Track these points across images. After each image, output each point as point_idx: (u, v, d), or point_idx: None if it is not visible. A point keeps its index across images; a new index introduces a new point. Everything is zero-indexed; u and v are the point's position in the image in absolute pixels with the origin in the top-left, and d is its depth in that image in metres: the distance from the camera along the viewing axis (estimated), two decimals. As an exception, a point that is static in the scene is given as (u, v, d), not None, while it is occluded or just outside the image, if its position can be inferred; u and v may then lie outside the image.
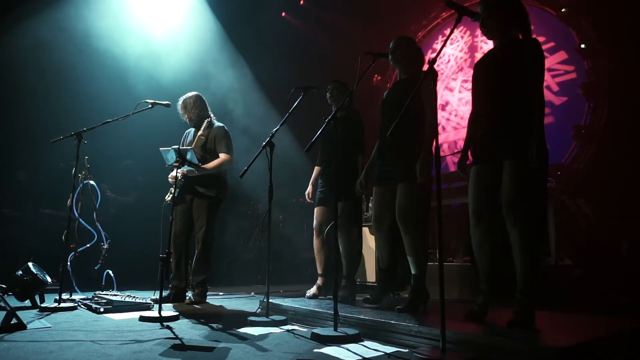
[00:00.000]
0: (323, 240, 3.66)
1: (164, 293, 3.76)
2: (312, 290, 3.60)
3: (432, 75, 2.04)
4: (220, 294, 4.59)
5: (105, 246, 4.00)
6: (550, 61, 6.07)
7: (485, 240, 2.35)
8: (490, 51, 2.56)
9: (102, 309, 3.12)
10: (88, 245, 3.95)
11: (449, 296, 4.18)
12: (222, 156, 3.94)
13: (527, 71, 2.32)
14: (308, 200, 3.92)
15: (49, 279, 3.48)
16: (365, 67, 2.74)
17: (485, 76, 2.49)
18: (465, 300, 4.00)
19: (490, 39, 2.57)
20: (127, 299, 3.45)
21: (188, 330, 2.57)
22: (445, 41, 2.32)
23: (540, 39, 6.19)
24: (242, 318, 2.97)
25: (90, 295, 3.68)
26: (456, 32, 7.12)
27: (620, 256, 3.81)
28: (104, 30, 5.58)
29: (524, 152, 2.22)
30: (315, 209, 3.68)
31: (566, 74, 5.97)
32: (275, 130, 3.03)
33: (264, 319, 2.77)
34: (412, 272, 2.79)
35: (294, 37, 8.07)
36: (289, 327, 2.71)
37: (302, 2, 8.32)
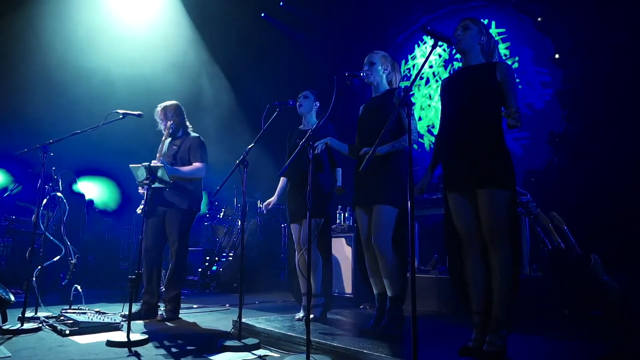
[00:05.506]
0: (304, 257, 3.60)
1: (136, 308, 3.69)
2: (300, 313, 3.43)
3: (407, 105, 2.00)
4: (194, 306, 4.49)
5: (73, 260, 3.87)
6: (526, 69, 6.15)
7: (478, 269, 2.30)
8: (461, 70, 2.53)
9: (67, 331, 3.00)
10: (54, 259, 3.81)
11: (428, 308, 4.21)
12: (197, 164, 3.86)
13: (499, 93, 2.32)
14: (263, 208, 3.89)
15: (12, 298, 3.34)
16: (343, 84, 2.71)
17: (456, 95, 2.46)
18: (444, 314, 4.02)
19: (463, 58, 2.54)
20: (95, 317, 3.34)
21: (157, 356, 2.50)
22: (422, 66, 2.30)
23: (517, 46, 6.28)
24: (214, 340, 2.89)
25: (56, 311, 3.56)
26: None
27: (589, 269, 3.87)
28: (77, 39, 5.42)
29: (496, 180, 2.22)
30: (291, 226, 3.62)
31: (542, 82, 6.05)
32: (250, 148, 2.96)
33: (236, 343, 2.71)
34: (388, 294, 2.77)
35: (272, 38, 7.97)
36: (261, 352, 2.66)
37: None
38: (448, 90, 2.52)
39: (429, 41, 6.99)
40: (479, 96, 2.35)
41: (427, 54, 2.30)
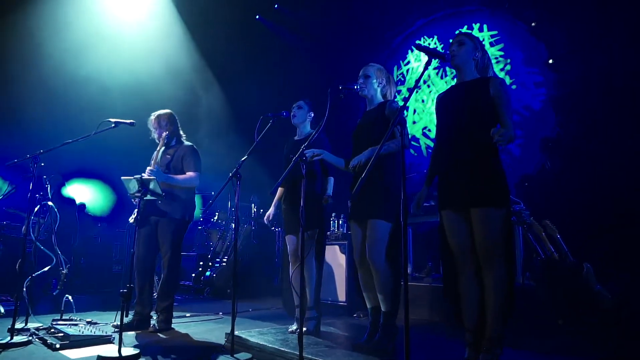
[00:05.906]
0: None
1: (127, 318, 3.66)
2: (294, 326, 3.37)
3: (400, 124, 2.00)
4: (187, 315, 4.46)
5: (64, 271, 3.83)
6: (520, 73, 6.16)
7: (472, 286, 2.30)
8: (456, 86, 2.53)
9: (58, 345, 2.96)
10: (45, 269, 3.77)
11: (420, 316, 4.21)
12: (190, 173, 3.84)
13: (493, 108, 2.32)
14: (266, 221, 3.87)
15: (1, 310, 3.31)
16: (340, 96, 2.70)
17: (451, 112, 2.46)
18: (436, 323, 4.03)
19: (458, 74, 2.55)
20: (86, 328, 3.31)
21: (148, 374, 2.48)
22: (416, 84, 2.30)
23: (510, 49, 6.29)
24: (207, 354, 2.87)
25: (47, 322, 3.52)
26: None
27: (582, 278, 3.88)
28: (74, 45, 5.38)
29: (491, 198, 2.22)
30: (286, 237, 3.60)
31: (535, 87, 6.07)
32: (243, 161, 2.94)
33: (229, 358, 2.69)
34: (382, 309, 2.75)
35: (267, 41, 7.93)
36: (254, 367, 2.65)
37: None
38: (443, 106, 2.51)
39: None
40: (474, 112, 2.34)
41: (421, 70, 2.29)
